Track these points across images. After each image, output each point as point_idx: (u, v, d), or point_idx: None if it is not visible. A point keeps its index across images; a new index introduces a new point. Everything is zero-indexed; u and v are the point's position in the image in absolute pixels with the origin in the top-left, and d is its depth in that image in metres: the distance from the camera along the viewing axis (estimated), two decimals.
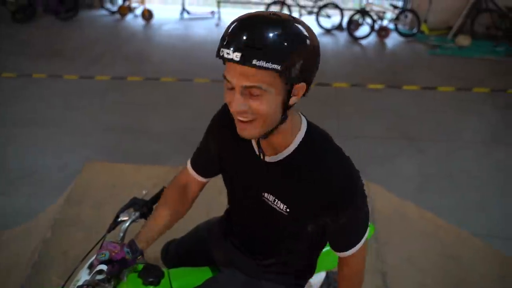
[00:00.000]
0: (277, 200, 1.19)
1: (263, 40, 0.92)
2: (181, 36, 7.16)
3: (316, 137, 1.16)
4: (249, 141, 1.21)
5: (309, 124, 1.18)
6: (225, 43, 0.94)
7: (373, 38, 7.21)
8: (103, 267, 1.25)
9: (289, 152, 1.14)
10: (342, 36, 7.34)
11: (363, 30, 7.25)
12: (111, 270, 1.23)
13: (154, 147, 3.84)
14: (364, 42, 7.08)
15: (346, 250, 1.23)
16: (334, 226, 1.18)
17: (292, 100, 1.03)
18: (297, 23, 0.97)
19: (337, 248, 1.25)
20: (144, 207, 1.44)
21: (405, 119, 4.49)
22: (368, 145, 3.91)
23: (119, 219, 1.41)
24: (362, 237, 1.22)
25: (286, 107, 1.03)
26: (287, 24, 0.95)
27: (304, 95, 1.05)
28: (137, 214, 1.43)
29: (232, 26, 0.96)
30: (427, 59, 6.45)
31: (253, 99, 0.97)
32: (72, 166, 3.47)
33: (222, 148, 1.31)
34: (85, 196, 3.06)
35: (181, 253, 1.52)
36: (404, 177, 3.52)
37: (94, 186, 3.18)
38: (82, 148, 3.78)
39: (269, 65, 0.91)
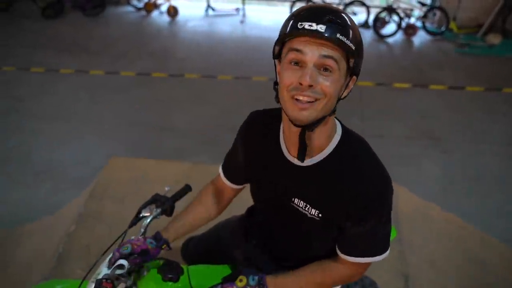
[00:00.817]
0: (308, 206, 1.17)
1: (344, 19, 0.97)
2: (206, 33, 7.19)
3: (352, 141, 1.15)
4: (280, 146, 1.20)
5: (345, 128, 1.17)
6: (304, 18, 0.96)
7: (399, 36, 7.09)
8: (124, 262, 1.26)
9: (325, 156, 1.13)
10: (368, 34, 7.24)
11: (390, 28, 7.14)
12: (133, 261, 1.24)
13: (177, 143, 3.87)
14: (390, 40, 6.98)
15: (354, 255, 1.19)
16: (351, 231, 1.15)
17: (345, 92, 1.05)
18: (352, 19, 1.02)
19: (343, 249, 1.21)
20: (166, 204, 1.44)
21: (431, 119, 4.41)
22: (392, 145, 3.85)
23: (141, 215, 1.42)
24: (371, 254, 1.18)
25: (339, 98, 1.05)
26: (349, 17, 1.01)
27: (349, 93, 1.07)
28: (159, 210, 1.43)
29: (307, 7, 1.00)
30: (455, 58, 6.31)
31: (324, 75, 0.98)
32: (96, 161, 3.52)
33: (250, 155, 1.31)
34: (108, 191, 3.10)
35: (200, 251, 1.53)
36: (428, 178, 3.45)
37: (117, 181, 3.22)
38: (106, 143, 3.84)
39: (348, 42, 0.96)
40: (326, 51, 0.96)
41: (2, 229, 2.79)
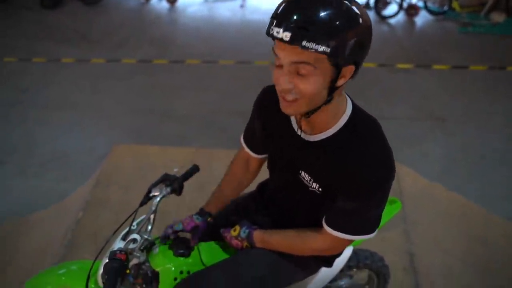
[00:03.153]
0: (312, 180, 1.20)
1: (313, 21, 0.91)
2: (206, 18, 7.13)
3: (361, 122, 1.15)
4: (290, 120, 1.24)
5: (355, 107, 1.17)
6: (275, 22, 0.95)
7: (401, 16, 7.01)
8: (137, 236, 1.31)
9: (331, 134, 1.14)
10: (370, 15, 7.15)
11: (391, 8, 7.05)
12: (193, 237, 1.36)
13: (180, 129, 3.88)
14: (392, 21, 6.90)
15: (334, 228, 1.20)
16: (339, 204, 1.17)
17: (340, 82, 1.02)
18: (348, 2, 0.95)
19: (326, 220, 1.22)
20: (175, 183, 1.47)
21: (434, 99, 4.39)
22: (395, 127, 3.84)
23: (151, 194, 1.45)
24: (351, 232, 1.19)
25: (332, 88, 1.03)
26: (338, 4, 0.93)
27: (353, 77, 1.05)
28: (168, 189, 1.46)
29: (283, 5, 0.96)
30: (458, 37, 6.24)
31: (300, 78, 0.98)
32: (100, 149, 3.54)
33: (265, 127, 1.35)
34: (113, 178, 3.12)
35: (211, 227, 1.54)
36: (432, 158, 3.45)
37: (122, 168, 3.24)
38: (110, 131, 3.85)
39: (318, 47, 0.91)
40: (296, 57, 0.95)
41: (11, 218, 2.82)
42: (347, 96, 1.18)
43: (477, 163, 3.40)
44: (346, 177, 1.11)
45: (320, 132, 1.15)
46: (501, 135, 3.77)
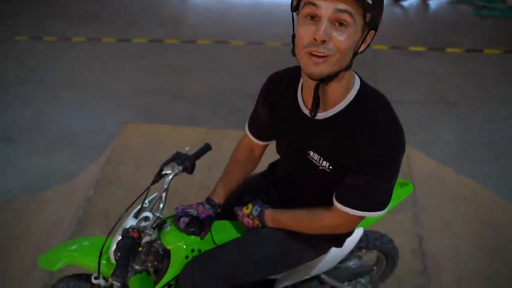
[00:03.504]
0: (321, 159, 1.20)
1: None
2: None
3: (369, 97, 1.15)
4: (298, 102, 1.23)
5: (363, 83, 1.17)
6: None
7: None
8: (149, 214, 1.33)
9: (340, 109, 1.14)
10: None
11: None
12: (205, 227, 1.36)
13: (191, 109, 3.88)
14: (405, 3, 6.78)
15: (343, 204, 1.20)
16: (348, 180, 1.17)
17: (362, 46, 1.04)
18: None
19: (336, 195, 1.23)
20: (187, 161, 1.47)
21: (446, 83, 4.33)
22: (407, 110, 3.80)
23: (163, 172, 1.45)
24: (360, 208, 1.19)
25: (355, 53, 1.04)
26: None
27: (366, 47, 1.06)
28: (180, 168, 1.46)
29: None
30: (472, 20, 6.13)
31: (339, 30, 0.98)
32: (111, 128, 3.56)
33: (272, 113, 1.34)
34: (124, 156, 3.15)
35: (224, 206, 1.56)
36: (443, 143, 3.43)
37: (133, 146, 3.26)
38: (120, 110, 3.86)
39: None
40: (341, 5, 0.95)
41: (24, 195, 2.86)
42: (356, 74, 1.17)
43: (488, 147, 3.37)
44: (354, 151, 1.11)
45: (330, 109, 1.15)
46: None
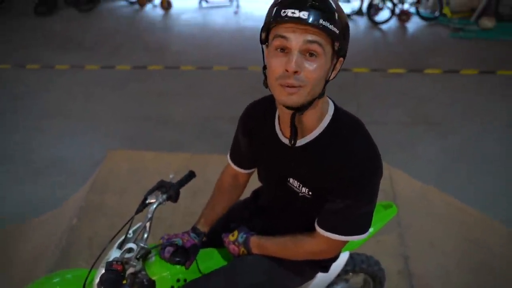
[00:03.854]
0: (301, 185, 1.22)
1: (327, 3, 0.98)
2: (200, 24, 7.16)
3: (344, 122, 1.17)
4: (276, 130, 1.25)
5: (337, 108, 1.19)
6: (286, 5, 0.98)
7: (393, 22, 7.07)
8: (133, 245, 1.31)
9: (315, 136, 1.16)
10: (362, 21, 7.22)
11: (384, 14, 7.11)
12: (191, 256, 1.34)
13: (175, 135, 3.88)
14: (384, 26, 6.96)
15: (325, 229, 1.21)
16: (328, 205, 1.18)
17: (333, 74, 1.08)
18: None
19: (318, 221, 1.23)
20: (171, 190, 1.46)
21: (426, 103, 4.42)
22: (389, 131, 3.87)
23: (147, 201, 1.44)
24: (343, 232, 1.20)
25: (327, 80, 1.07)
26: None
27: (337, 74, 1.09)
28: (164, 196, 1.45)
29: None
30: (449, 42, 6.31)
31: (310, 60, 1.00)
32: (95, 155, 3.53)
33: (251, 142, 1.37)
34: (108, 183, 3.12)
35: (208, 235, 1.56)
36: (427, 162, 3.48)
37: (117, 173, 3.24)
38: (105, 138, 3.85)
39: (332, 27, 0.97)
40: (310, 36, 0.98)
41: (6, 226, 2.81)
42: (329, 99, 1.20)
43: (470, 165, 3.43)
44: (332, 176, 1.13)
45: (306, 135, 1.17)
46: (493, 137, 3.80)
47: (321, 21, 0.95)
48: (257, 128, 1.32)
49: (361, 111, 4.13)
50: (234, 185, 1.56)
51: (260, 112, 1.33)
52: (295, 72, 1.00)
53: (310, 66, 1.00)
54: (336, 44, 1.01)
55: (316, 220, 1.25)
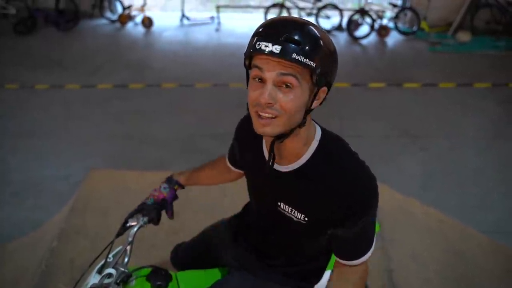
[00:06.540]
0: (294, 210, 1.18)
1: (301, 37, 0.96)
2: (182, 42, 7.19)
3: (332, 146, 1.15)
4: (262, 152, 1.24)
5: (324, 131, 1.18)
6: (262, 37, 0.97)
7: (373, 37, 7.22)
8: (112, 271, 1.28)
9: (304, 162, 1.14)
10: (342, 37, 7.35)
11: (363, 29, 7.26)
12: (166, 209, 1.49)
13: (157, 153, 3.86)
14: (364, 41, 7.09)
15: (356, 258, 1.18)
16: (346, 234, 1.15)
17: (314, 103, 1.05)
18: (320, 29, 1.02)
19: (345, 256, 1.20)
20: (152, 212, 1.45)
21: (407, 117, 4.50)
22: (370, 144, 3.91)
23: (128, 224, 1.42)
24: (372, 244, 1.19)
25: (307, 110, 1.05)
26: (315, 28, 1.00)
27: (321, 103, 1.07)
28: (146, 219, 1.43)
29: (268, 24, 1.01)
30: (427, 56, 6.46)
31: (284, 92, 0.99)
32: (76, 175, 3.48)
33: (242, 155, 1.37)
34: (89, 204, 3.07)
35: (190, 256, 1.54)
36: (407, 174, 3.52)
37: (98, 193, 3.19)
38: (86, 157, 3.80)
39: (306, 60, 0.95)
40: (284, 69, 0.97)
41: None
42: (316, 125, 1.18)
43: (451, 177, 3.48)
44: (337, 202, 1.10)
45: (293, 162, 1.15)
46: (472, 148, 3.88)
47: (294, 55, 0.94)
48: (247, 143, 1.30)
49: (343, 125, 4.17)
50: (226, 171, 1.58)
51: (252, 129, 1.33)
52: (269, 103, 1.00)
53: (286, 97, 0.99)
54: (314, 77, 0.99)
55: (340, 257, 1.20)
